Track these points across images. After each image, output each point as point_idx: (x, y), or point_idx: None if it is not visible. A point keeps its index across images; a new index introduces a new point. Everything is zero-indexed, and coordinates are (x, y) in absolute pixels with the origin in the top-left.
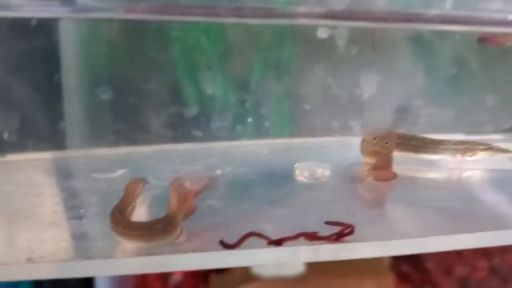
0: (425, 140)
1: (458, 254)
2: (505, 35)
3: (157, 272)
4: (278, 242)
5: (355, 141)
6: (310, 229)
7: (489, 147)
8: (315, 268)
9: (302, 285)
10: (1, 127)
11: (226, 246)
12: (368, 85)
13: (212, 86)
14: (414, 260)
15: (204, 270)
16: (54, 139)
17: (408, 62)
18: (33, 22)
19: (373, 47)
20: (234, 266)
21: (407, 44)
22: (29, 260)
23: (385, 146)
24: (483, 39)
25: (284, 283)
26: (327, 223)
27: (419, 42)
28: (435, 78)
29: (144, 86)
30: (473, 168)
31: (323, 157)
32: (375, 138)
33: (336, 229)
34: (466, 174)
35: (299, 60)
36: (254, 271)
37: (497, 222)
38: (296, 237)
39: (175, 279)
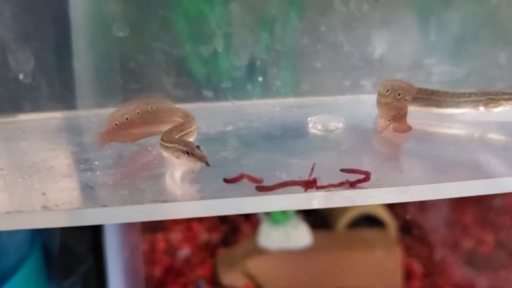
0: (446, 94)
1: (464, 228)
2: None
3: (164, 247)
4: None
5: (367, 99)
6: (325, 178)
7: None
8: (322, 241)
9: (309, 258)
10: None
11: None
12: (380, 43)
13: (221, 45)
14: (421, 234)
15: (212, 245)
16: (64, 99)
17: (419, 19)
18: None
19: None
20: (241, 213)
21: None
22: (44, 208)
23: (397, 98)
24: None
25: (291, 256)
26: (343, 170)
27: None
28: (447, 35)
29: (154, 45)
30: (496, 121)
31: (336, 113)
32: (387, 90)
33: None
34: (489, 128)
35: (309, 17)
36: (262, 245)
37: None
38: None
39: (183, 253)
